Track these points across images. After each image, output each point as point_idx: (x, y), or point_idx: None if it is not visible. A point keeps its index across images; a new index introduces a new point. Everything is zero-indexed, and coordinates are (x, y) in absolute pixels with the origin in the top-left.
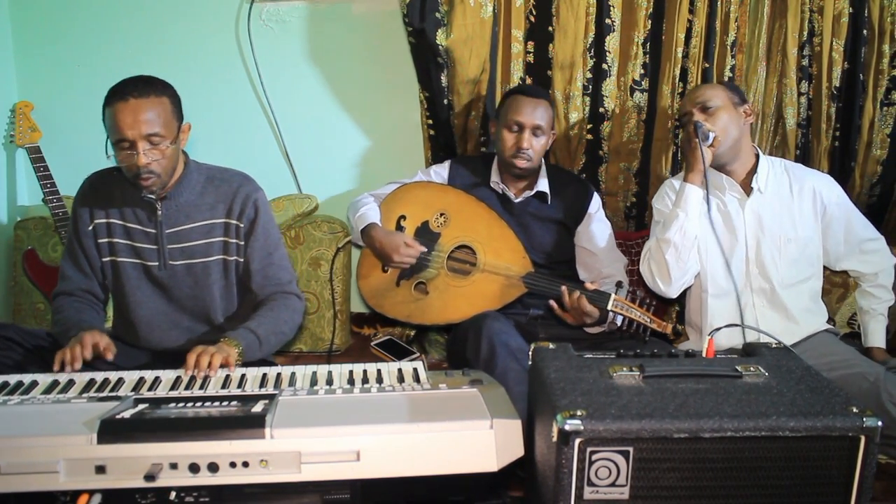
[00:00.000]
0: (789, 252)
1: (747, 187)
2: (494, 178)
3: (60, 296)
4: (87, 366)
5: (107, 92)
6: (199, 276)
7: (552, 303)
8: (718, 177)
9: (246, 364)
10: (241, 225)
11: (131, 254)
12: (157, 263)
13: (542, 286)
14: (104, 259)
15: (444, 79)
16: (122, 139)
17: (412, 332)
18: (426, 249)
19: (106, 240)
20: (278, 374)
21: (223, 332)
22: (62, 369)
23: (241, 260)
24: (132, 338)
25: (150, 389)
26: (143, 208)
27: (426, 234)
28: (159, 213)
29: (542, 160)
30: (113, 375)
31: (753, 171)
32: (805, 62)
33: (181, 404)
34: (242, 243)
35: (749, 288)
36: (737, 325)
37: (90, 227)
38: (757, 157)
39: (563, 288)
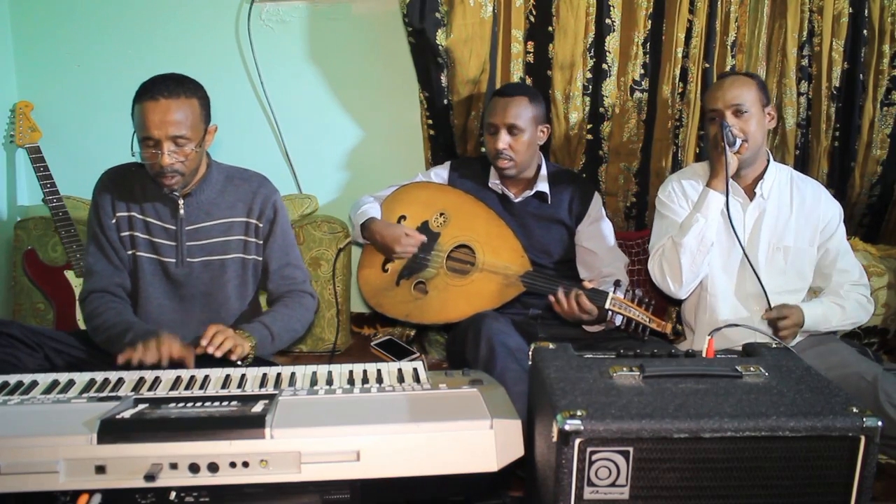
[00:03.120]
0: (777, 261)
1: (750, 191)
2: (493, 179)
3: (93, 294)
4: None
5: (138, 87)
6: (216, 273)
7: (551, 297)
8: (731, 174)
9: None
10: (261, 225)
11: (149, 249)
12: (174, 260)
13: (540, 285)
14: (126, 252)
15: (444, 79)
16: (147, 137)
17: (412, 332)
18: (425, 238)
19: (128, 233)
20: (278, 374)
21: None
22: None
23: (259, 259)
24: None
25: (150, 389)
26: (164, 204)
27: (426, 234)
28: (181, 209)
29: (542, 159)
30: (113, 375)
31: (761, 176)
32: (805, 62)
33: (181, 404)
34: (261, 243)
35: (745, 291)
36: (736, 325)
37: (113, 221)
38: (767, 162)
39: (560, 290)
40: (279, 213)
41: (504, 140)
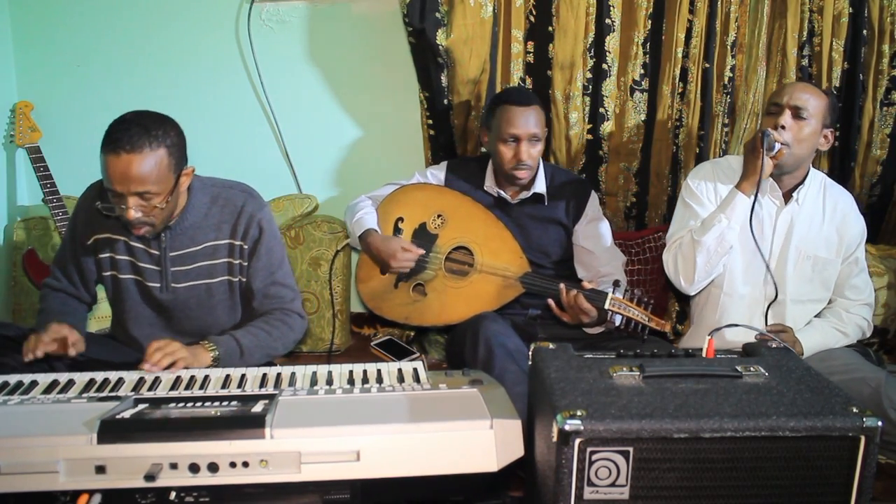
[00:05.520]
0: (804, 269)
1: (787, 196)
2: (489, 182)
3: (48, 287)
4: (75, 365)
5: (106, 129)
6: (203, 297)
7: (550, 301)
8: (764, 179)
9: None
10: (246, 246)
11: (133, 272)
12: (159, 285)
13: (539, 286)
14: (105, 273)
15: (444, 79)
16: (111, 190)
17: (412, 332)
18: (424, 252)
19: (108, 255)
20: (278, 374)
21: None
22: (32, 358)
23: (245, 280)
24: (129, 345)
25: (150, 389)
26: None
27: (424, 236)
28: (163, 238)
29: (540, 160)
30: (113, 375)
31: (801, 182)
32: (805, 62)
33: (181, 404)
34: (246, 263)
35: (763, 295)
36: (737, 326)
37: (90, 241)
38: (807, 169)
39: (561, 286)
40: (265, 232)
41: (526, 151)
